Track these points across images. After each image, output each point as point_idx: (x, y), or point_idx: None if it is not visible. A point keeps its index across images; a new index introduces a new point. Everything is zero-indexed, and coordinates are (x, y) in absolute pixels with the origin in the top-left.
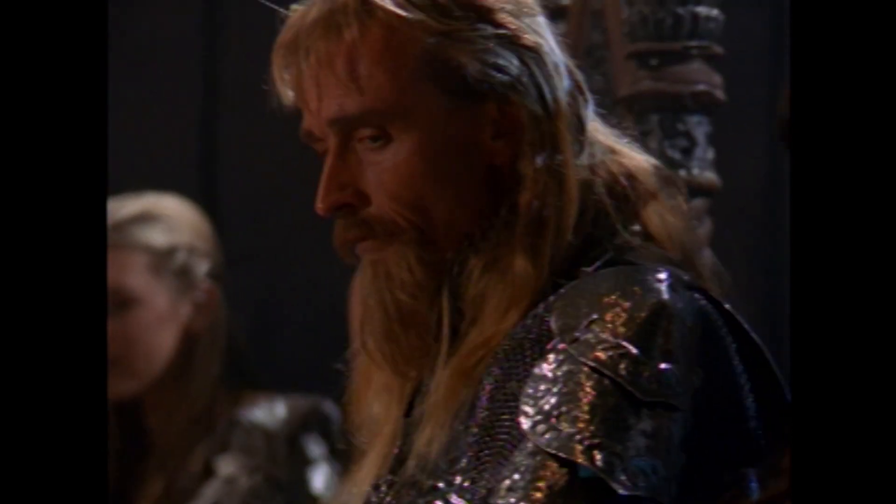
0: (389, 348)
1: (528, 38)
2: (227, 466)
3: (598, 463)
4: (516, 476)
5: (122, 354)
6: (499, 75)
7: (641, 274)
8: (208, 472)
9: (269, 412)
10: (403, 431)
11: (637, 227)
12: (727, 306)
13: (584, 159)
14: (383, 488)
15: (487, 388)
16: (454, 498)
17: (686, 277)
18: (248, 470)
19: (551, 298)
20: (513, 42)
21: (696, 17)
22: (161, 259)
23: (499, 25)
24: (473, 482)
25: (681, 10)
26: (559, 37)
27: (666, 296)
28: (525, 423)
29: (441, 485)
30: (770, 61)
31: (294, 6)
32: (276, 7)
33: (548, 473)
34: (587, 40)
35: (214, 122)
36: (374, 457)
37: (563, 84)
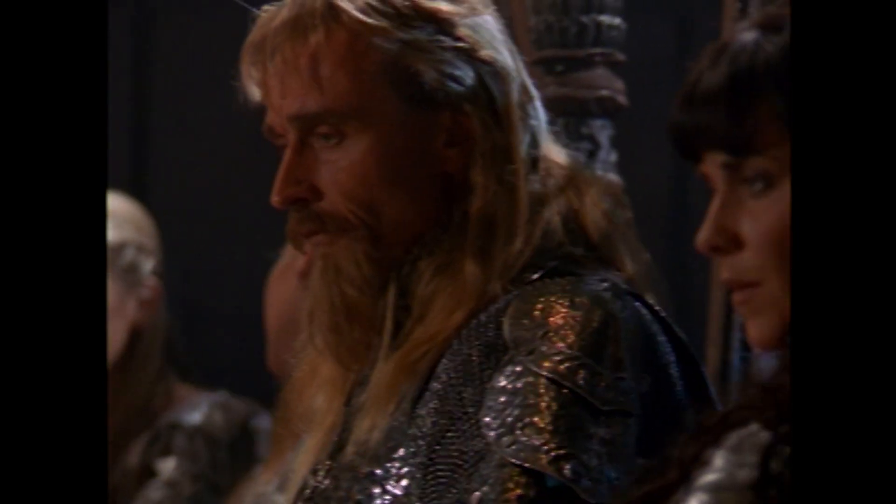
0: (335, 340)
1: (485, 53)
2: (169, 470)
3: (567, 473)
4: (486, 488)
5: None
6: (454, 85)
7: (587, 284)
8: (146, 470)
9: (209, 417)
10: (343, 419)
11: (582, 239)
12: (660, 311)
13: (537, 172)
14: (321, 473)
15: (436, 386)
16: (391, 484)
17: (625, 286)
18: (191, 476)
19: (500, 305)
20: (470, 55)
21: (599, 25)
22: (111, 255)
23: (457, 38)
24: (414, 477)
25: (585, 19)
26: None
27: (612, 305)
28: (490, 435)
29: (378, 471)
30: (671, 67)
31: (266, 7)
32: (249, 7)
33: (517, 484)
34: None
35: (146, 121)
36: (313, 443)
37: (517, 97)
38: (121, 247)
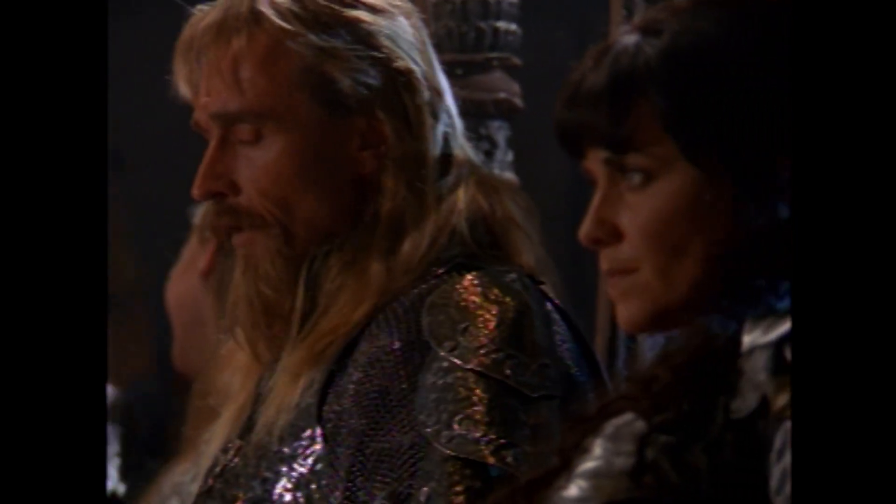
0: (254, 336)
1: (401, 63)
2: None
3: (509, 461)
4: (433, 484)
5: None
6: (368, 93)
7: (495, 277)
8: None
9: None
10: (253, 402)
11: (487, 237)
12: (556, 299)
13: (449, 178)
14: (231, 452)
15: (355, 376)
16: (298, 462)
17: (526, 276)
18: None
19: (412, 298)
20: (385, 64)
21: (496, 31)
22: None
23: (374, 48)
24: (321, 457)
25: (483, 25)
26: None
27: (523, 295)
28: (427, 432)
29: (286, 450)
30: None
31: (199, 7)
32: (185, 5)
33: (463, 477)
34: None
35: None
36: (224, 423)
37: (429, 104)
38: None
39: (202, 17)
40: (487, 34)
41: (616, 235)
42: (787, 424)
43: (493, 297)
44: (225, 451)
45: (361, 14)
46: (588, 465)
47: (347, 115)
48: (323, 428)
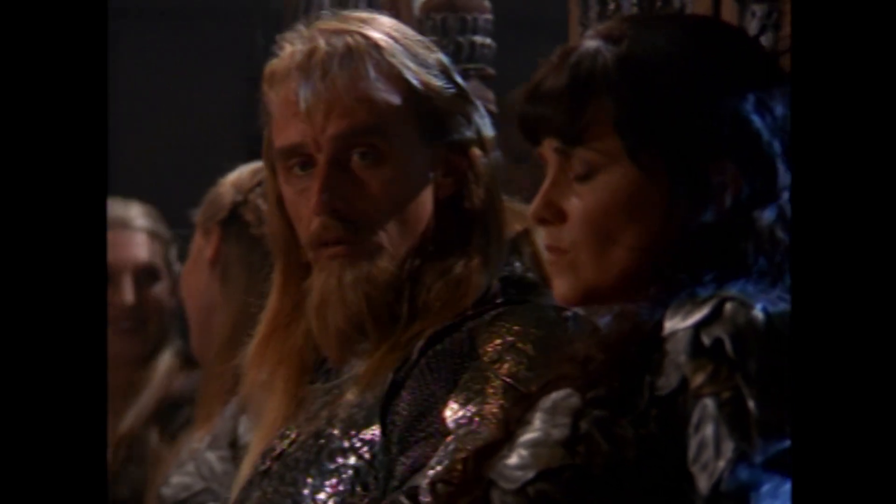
0: (349, 337)
1: (472, 97)
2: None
3: None
4: (439, 468)
5: (149, 317)
6: (465, 130)
7: (541, 311)
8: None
9: None
10: (312, 395)
11: (527, 258)
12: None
13: (495, 226)
14: (289, 439)
15: (411, 384)
16: (360, 453)
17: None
18: None
19: (471, 324)
20: (466, 100)
21: (473, 44)
22: (167, 247)
23: (454, 84)
24: (387, 449)
25: (461, 39)
26: None
27: (562, 326)
28: (449, 423)
29: (346, 444)
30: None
31: (285, 34)
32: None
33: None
34: None
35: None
36: (277, 412)
37: (491, 134)
38: (170, 243)
39: (295, 50)
40: (465, 47)
41: (560, 217)
42: (704, 401)
43: (532, 329)
44: (282, 437)
45: (440, 56)
46: (528, 435)
47: (435, 144)
48: (383, 424)
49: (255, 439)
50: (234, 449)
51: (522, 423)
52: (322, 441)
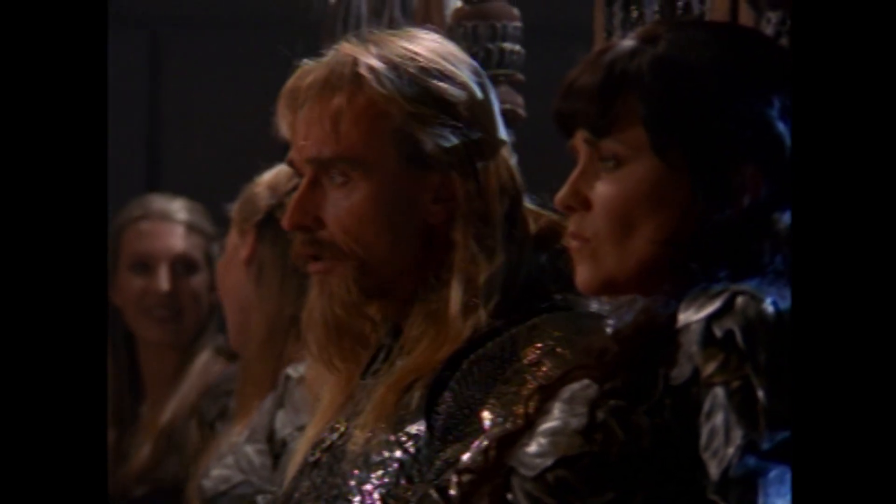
0: (327, 349)
1: (477, 134)
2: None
3: None
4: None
5: (185, 307)
6: (446, 156)
7: (581, 320)
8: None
9: None
10: (359, 391)
11: (565, 275)
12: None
13: (517, 228)
14: (338, 432)
15: (448, 396)
16: (405, 447)
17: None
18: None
19: (511, 335)
20: (463, 133)
21: (502, 51)
22: (209, 242)
23: (454, 117)
24: (430, 444)
25: (491, 46)
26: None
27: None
28: (486, 422)
29: (392, 437)
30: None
31: (305, 60)
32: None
33: None
34: None
35: (158, 131)
36: (330, 406)
37: (500, 170)
38: (213, 238)
39: (308, 70)
40: (494, 54)
41: (585, 205)
42: (715, 390)
43: (573, 336)
44: (332, 429)
45: (446, 87)
46: (547, 424)
47: (426, 170)
48: (428, 420)
49: (309, 430)
50: (271, 443)
51: (542, 412)
52: (369, 434)
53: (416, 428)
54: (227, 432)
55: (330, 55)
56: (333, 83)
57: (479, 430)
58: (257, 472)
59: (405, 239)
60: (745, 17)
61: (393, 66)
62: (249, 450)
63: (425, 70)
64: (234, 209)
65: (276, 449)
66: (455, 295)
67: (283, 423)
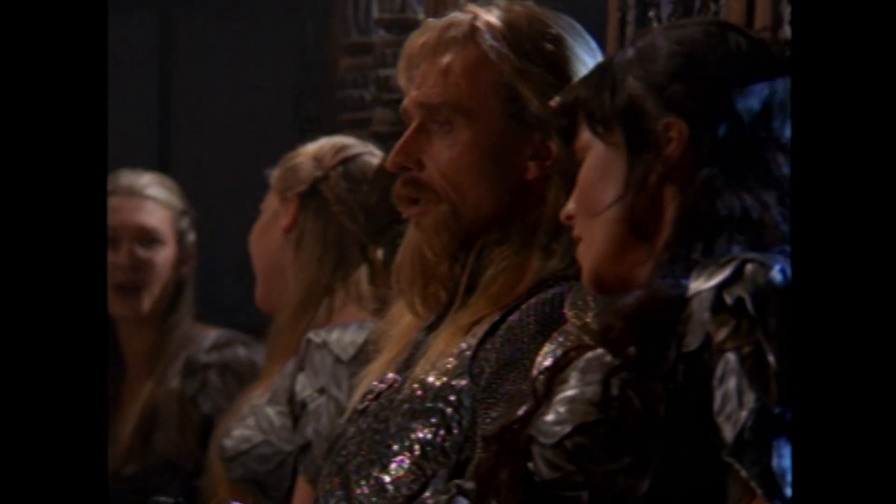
0: (412, 291)
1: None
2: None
3: None
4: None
5: (150, 281)
6: (550, 116)
7: None
8: (184, 396)
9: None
10: (414, 347)
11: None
12: None
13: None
14: (388, 382)
15: (497, 342)
16: (452, 396)
17: None
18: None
19: (556, 292)
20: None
21: None
22: (175, 217)
23: (562, 79)
24: (472, 395)
25: None
26: None
27: None
28: (535, 369)
29: (437, 383)
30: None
31: (430, 19)
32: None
33: None
34: None
35: (168, 108)
36: (385, 359)
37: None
38: (183, 212)
39: (430, 26)
40: None
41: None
42: (727, 356)
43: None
44: (382, 380)
45: (557, 50)
46: (564, 393)
47: (526, 127)
48: (471, 373)
49: (363, 381)
50: (291, 405)
51: (560, 381)
52: (416, 385)
53: (461, 381)
54: (248, 394)
55: (451, 14)
56: (450, 36)
57: (524, 389)
58: (277, 432)
59: (499, 190)
60: (763, 10)
61: (509, 23)
62: (270, 411)
63: (540, 33)
64: (274, 176)
65: (296, 411)
66: (539, 239)
67: (302, 386)
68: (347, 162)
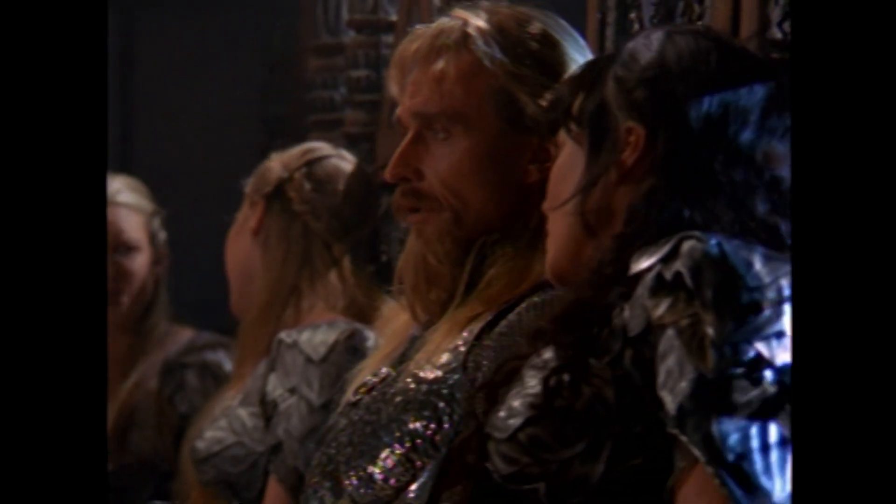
0: (414, 297)
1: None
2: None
3: None
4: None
5: (126, 289)
6: (545, 119)
7: None
8: (162, 396)
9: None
10: (408, 345)
11: None
12: None
13: None
14: (381, 376)
15: (489, 344)
16: (445, 389)
17: None
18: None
19: (550, 294)
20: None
21: None
22: (148, 219)
23: (555, 77)
24: (456, 390)
25: None
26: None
27: None
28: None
29: (431, 375)
30: None
31: (418, 27)
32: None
33: None
34: None
35: (132, 112)
36: (379, 356)
37: None
38: (154, 213)
39: (419, 34)
40: None
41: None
42: (667, 331)
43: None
44: (375, 374)
45: (547, 51)
46: (516, 389)
47: (524, 131)
48: (465, 368)
49: (357, 376)
50: (263, 406)
51: (515, 380)
52: (409, 379)
53: (454, 376)
54: (219, 397)
55: (439, 20)
56: (442, 43)
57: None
58: (249, 433)
59: (500, 195)
60: (749, 10)
61: (500, 28)
62: (243, 413)
63: (532, 35)
64: (248, 184)
65: (268, 411)
66: (541, 241)
67: (273, 386)
68: (312, 164)
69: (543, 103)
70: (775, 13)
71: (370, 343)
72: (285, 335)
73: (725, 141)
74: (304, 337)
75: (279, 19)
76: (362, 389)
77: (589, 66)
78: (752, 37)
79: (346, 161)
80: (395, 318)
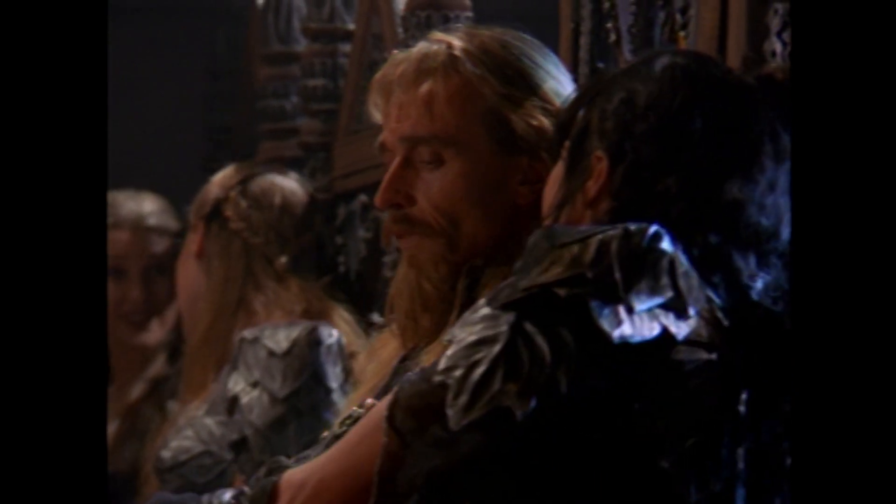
0: (407, 325)
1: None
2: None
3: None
4: None
5: (160, 308)
6: (535, 137)
7: None
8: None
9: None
10: (392, 374)
11: None
12: None
13: None
14: (365, 408)
15: None
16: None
17: None
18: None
19: None
20: (551, 114)
21: None
22: (174, 239)
23: (543, 99)
24: None
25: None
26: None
27: None
28: None
29: None
30: None
31: (396, 51)
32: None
33: None
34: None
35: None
36: (366, 388)
37: None
38: (177, 233)
39: (400, 59)
40: None
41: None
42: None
43: None
44: (360, 406)
45: (535, 71)
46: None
47: (514, 152)
48: None
49: (346, 406)
50: (231, 413)
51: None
52: None
53: None
54: (184, 408)
55: (420, 44)
56: (427, 66)
57: None
58: (217, 442)
59: (493, 218)
60: (737, 11)
61: (484, 49)
62: (209, 422)
63: (515, 55)
64: (191, 209)
65: (230, 408)
66: None
67: (235, 382)
68: (246, 181)
69: (534, 122)
70: (774, 22)
71: (332, 339)
72: (247, 333)
73: (682, 177)
74: (267, 333)
75: (222, 26)
76: (348, 421)
77: (589, 87)
78: (747, 61)
79: (281, 175)
80: (382, 348)
